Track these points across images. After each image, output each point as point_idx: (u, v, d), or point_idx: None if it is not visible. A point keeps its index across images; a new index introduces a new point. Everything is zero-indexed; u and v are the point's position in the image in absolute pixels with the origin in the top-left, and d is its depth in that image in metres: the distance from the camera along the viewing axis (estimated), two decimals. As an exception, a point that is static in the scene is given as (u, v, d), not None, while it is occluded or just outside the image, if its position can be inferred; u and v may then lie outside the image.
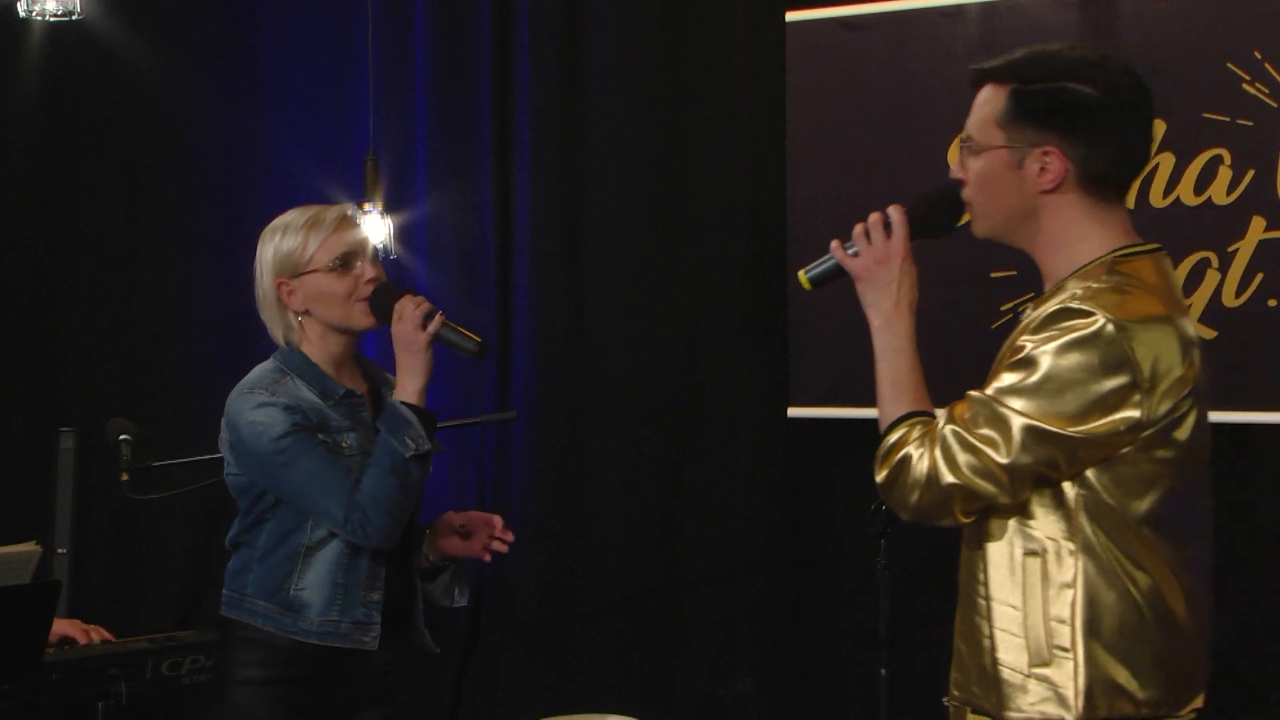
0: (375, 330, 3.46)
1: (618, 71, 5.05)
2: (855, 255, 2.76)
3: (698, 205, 4.98)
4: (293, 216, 3.44)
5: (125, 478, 4.35)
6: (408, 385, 3.33)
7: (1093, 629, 2.58)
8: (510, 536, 3.53)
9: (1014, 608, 2.62)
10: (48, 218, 5.77)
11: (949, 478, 2.57)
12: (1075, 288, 2.59)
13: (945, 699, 2.77)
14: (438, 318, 3.32)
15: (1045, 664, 2.59)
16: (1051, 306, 2.57)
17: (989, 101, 2.68)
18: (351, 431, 3.36)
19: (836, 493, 4.72)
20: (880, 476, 2.64)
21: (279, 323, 3.42)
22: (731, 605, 4.90)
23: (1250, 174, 4.24)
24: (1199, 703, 2.65)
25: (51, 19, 4.82)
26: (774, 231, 4.84)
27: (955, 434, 2.58)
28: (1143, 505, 2.58)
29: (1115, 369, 2.52)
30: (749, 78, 4.92)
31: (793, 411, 4.79)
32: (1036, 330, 2.57)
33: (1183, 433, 2.58)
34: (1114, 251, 2.63)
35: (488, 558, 3.52)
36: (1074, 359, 2.53)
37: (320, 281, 3.38)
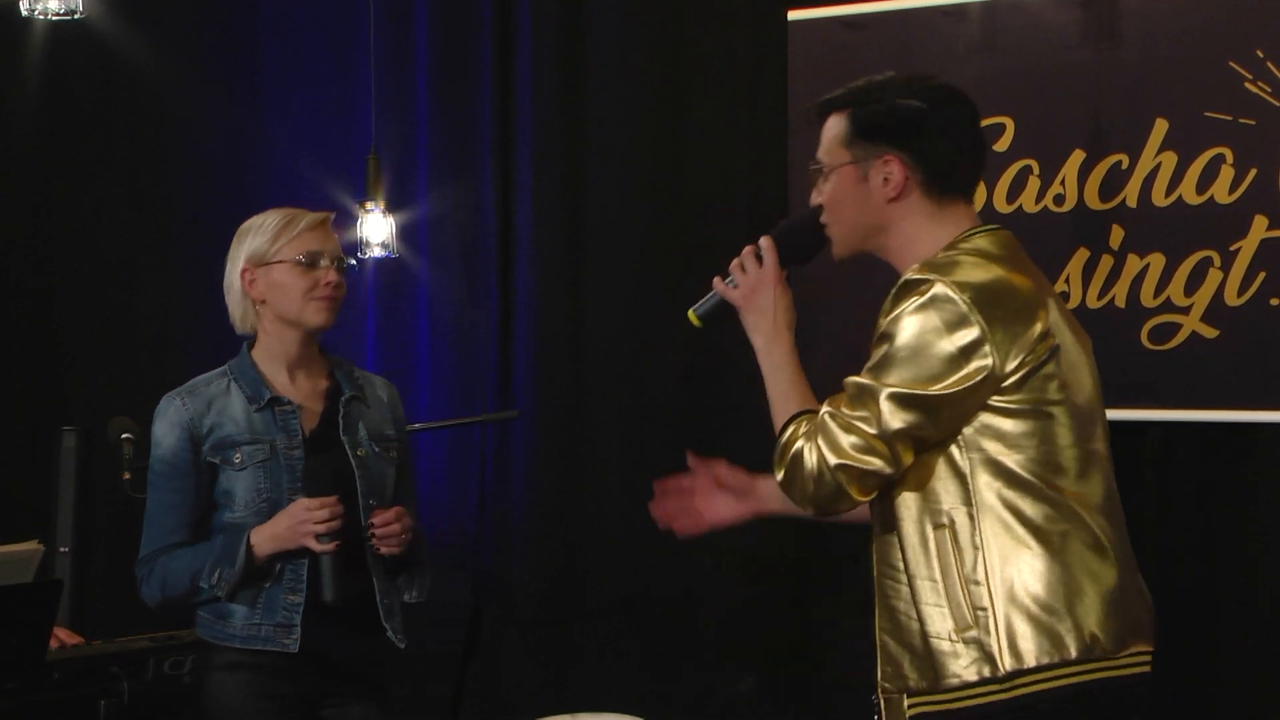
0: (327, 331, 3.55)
1: (619, 70, 5.05)
2: (735, 287, 2.96)
3: (699, 204, 4.98)
4: (271, 214, 3.56)
5: (127, 477, 4.36)
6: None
7: (1008, 585, 2.69)
8: None
9: (933, 580, 2.74)
10: (49, 217, 5.78)
11: (834, 459, 2.71)
12: (916, 263, 2.78)
13: (873, 696, 2.85)
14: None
15: (969, 626, 2.69)
16: (897, 283, 2.76)
17: (833, 128, 2.92)
18: (252, 444, 3.44)
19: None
20: (779, 475, 2.80)
21: (238, 309, 3.55)
22: (732, 605, 4.91)
23: (1252, 173, 4.24)
24: (1145, 647, 2.74)
25: (54, 18, 4.82)
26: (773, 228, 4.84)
27: (833, 417, 2.74)
28: (1032, 457, 2.71)
29: (958, 325, 2.69)
30: (750, 77, 4.92)
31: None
32: (888, 310, 2.75)
33: (1050, 379, 2.73)
34: (953, 239, 2.82)
35: None
36: (918, 323, 2.71)
37: (282, 273, 3.49)
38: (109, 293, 5.69)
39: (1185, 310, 4.27)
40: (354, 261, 4.07)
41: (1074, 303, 4.31)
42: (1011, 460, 2.71)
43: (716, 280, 2.99)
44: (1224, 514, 4.31)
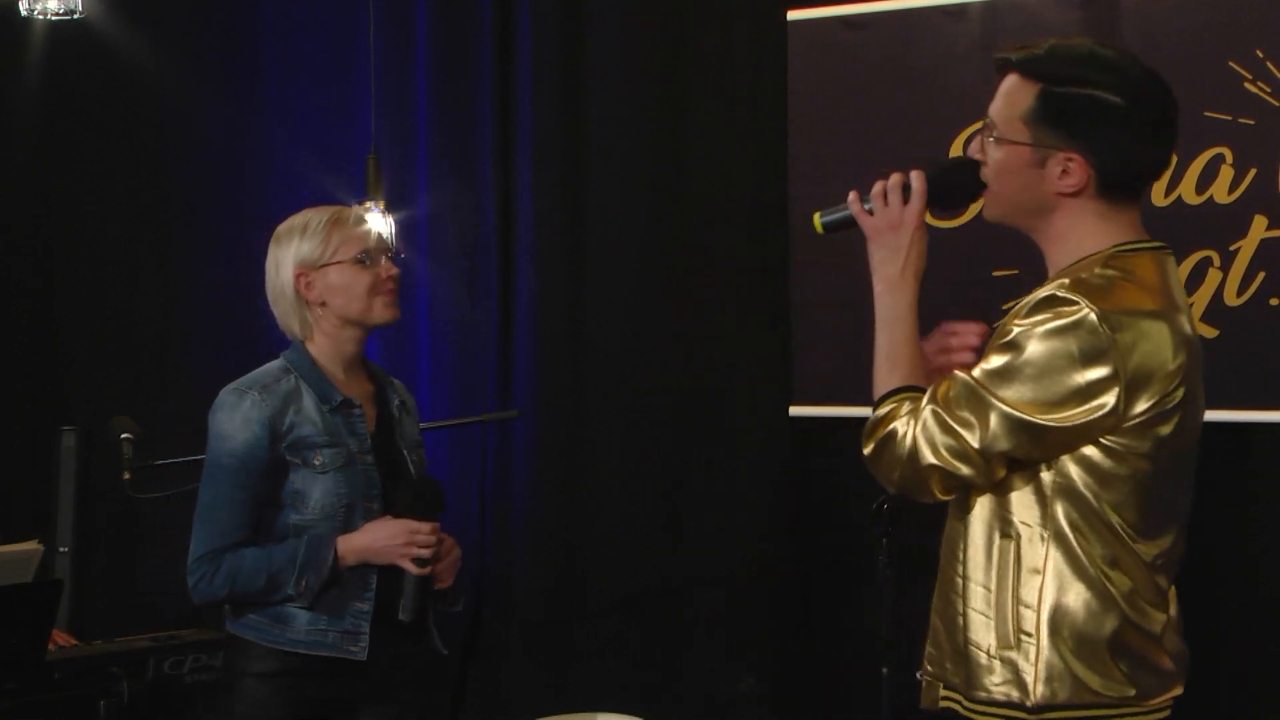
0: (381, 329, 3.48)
1: (619, 71, 5.05)
2: (870, 213, 2.75)
3: (699, 204, 4.98)
4: (312, 213, 3.46)
5: (127, 476, 4.35)
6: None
7: (1057, 617, 2.60)
8: None
9: (986, 589, 2.65)
10: (49, 217, 5.78)
11: (928, 458, 2.60)
12: (1066, 277, 2.60)
13: (919, 673, 2.81)
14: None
15: (1010, 647, 2.62)
16: (1042, 293, 2.59)
17: (1015, 94, 2.69)
18: (331, 447, 3.35)
19: (839, 491, 4.72)
20: (867, 449, 2.67)
21: (294, 316, 3.42)
22: (732, 605, 4.91)
23: (1252, 173, 4.24)
24: (1173, 692, 2.68)
25: (54, 18, 4.83)
26: (775, 230, 4.84)
27: (935, 414, 2.60)
28: (1118, 500, 2.60)
29: (1095, 359, 2.53)
30: (750, 77, 4.92)
31: (794, 410, 4.79)
32: (1026, 315, 2.58)
33: (1166, 430, 2.58)
34: (1115, 246, 2.64)
35: None
36: (1055, 346, 2.55)
37: (343, 274, 3.39)
38: (109, 293, 5.68)
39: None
40: (400, 252, 4.06)
41: (1074, 303, 4.31)
42: (1096, 497, 2.60)
43: (852, 196, 2.77)
44: (1223, 514, 4.31)
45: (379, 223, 4.88)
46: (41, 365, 5.69)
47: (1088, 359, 2.53)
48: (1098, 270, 2.60)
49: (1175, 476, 2.65)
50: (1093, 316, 2.52)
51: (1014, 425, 2.56)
